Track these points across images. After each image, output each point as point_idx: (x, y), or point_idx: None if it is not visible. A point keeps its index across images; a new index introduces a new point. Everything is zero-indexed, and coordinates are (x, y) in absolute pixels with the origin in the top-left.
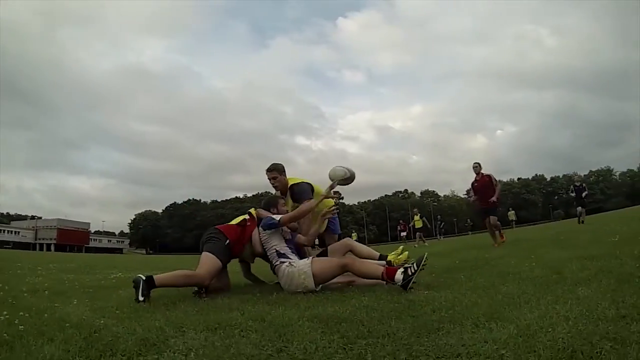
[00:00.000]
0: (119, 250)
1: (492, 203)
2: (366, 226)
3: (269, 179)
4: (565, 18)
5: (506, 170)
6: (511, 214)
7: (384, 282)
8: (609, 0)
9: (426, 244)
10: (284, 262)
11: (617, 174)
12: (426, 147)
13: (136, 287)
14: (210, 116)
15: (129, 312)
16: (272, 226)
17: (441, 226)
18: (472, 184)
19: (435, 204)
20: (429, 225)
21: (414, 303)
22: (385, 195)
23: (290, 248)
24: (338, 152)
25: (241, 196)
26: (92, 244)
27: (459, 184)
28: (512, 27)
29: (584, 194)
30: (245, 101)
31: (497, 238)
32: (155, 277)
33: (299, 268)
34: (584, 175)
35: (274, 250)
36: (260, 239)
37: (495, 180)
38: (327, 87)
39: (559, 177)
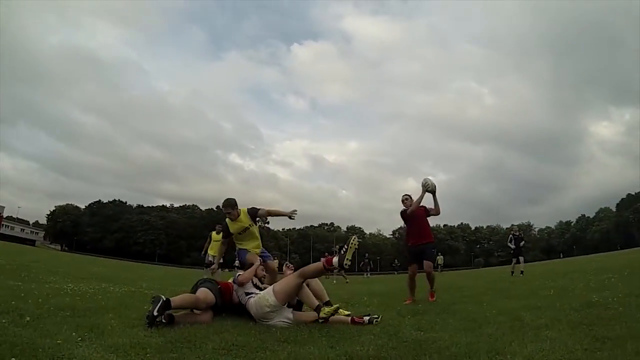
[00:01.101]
0: (32, 242)
1: (427, 240)
2: (289, 254)
3: (224, 213)
4: (506, 81)
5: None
6: (439, 259)
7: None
8: (547, 72)
9: (347, 280)
10: (251, 297)
11: (536, 229)
12: (357, 183)
13: (154, 303)
14: (151, 118)
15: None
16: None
17: (368, 262)
18: (402, 212)
19: (361, 240)
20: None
21: (421, 342)
22: (311, 225)
23: (256, 286)
24: (269, 176)
25: (168, 205)
26: (2, 230)
27: (385, 224)
28: (456, 81)
29: (521, 243)
30: (187, 109)
31: (413, 291)
32: (171, 299)
33: (263, 292)
34: (506, 227)
35: (243, 293)
36: (236, 292)
37: (432, 207)
38: (269, 109)
39: (482, 227)
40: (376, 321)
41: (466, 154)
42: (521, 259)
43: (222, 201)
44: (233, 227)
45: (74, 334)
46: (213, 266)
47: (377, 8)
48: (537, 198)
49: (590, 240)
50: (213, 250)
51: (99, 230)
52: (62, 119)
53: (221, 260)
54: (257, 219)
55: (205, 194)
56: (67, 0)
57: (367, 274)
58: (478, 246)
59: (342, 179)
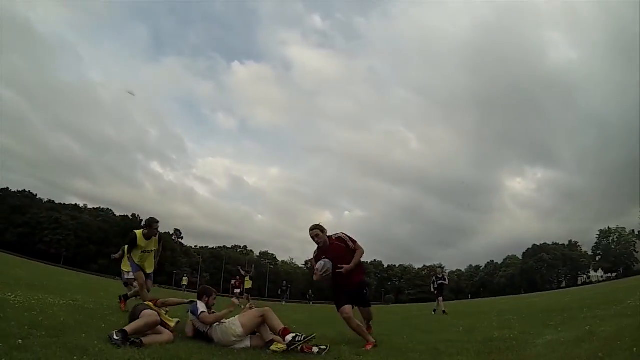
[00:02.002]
0: None
1: (358, 281)
2: (200, 272)
3: (147, 228)
4: (433, 129)
5: None
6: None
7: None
8: (472, 126)
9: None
10: (217, 325)
11: (447, 271)
12: (273, 209)
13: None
14: (75, 107)
15: None
16: (195, 315)
17: (286, 290)
18: (317, 256)
19: (272, 266)
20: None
21: None
22: (224, 246)
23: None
24: (187, 190)
25: (81, 205)
26: None
27: (297, 252)
28: (386, 123)
29: (443, 283)
30: (115, 106)
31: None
32: (126, 328)
33: (229, 322)
34: (418, 268)
35: (201, 324)
36: (192, 321)
37: (353, 242)
38: (197, 122)
39: (395, 265)
40: (324, 352)
41: (386, 193)
42: (440, 299)
43: (149, 218)
44: (142, 243)
45: (75, 357)
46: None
47: (323, 42)
48: (450, 241)
49: (497, 284)
50: (126, 266)
51: (1, 221)
52: None
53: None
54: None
55: (120, 198)
56: None
57: (284, 301)
58: (389, 283)
59: (260, 203)
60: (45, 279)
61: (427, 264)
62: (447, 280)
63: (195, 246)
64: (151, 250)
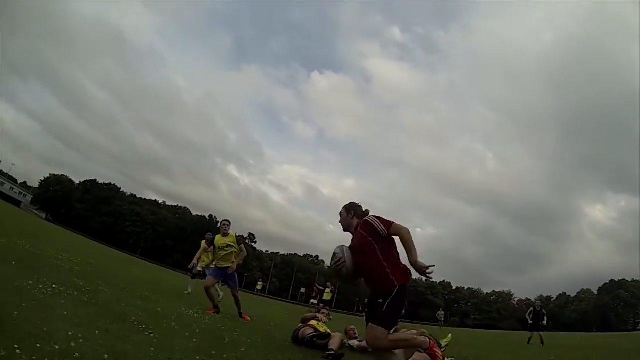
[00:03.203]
0: (17, 203)
1: (382, 287)
2: (270, 277)
3: (222, 225)
4: (511, 149)
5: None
6: (441, 314)
7: None
8: (552, 148)
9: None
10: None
11: (516, 299)
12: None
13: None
14: (161, 109)
15: None
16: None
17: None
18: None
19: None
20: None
21: None
22: (296, 253)
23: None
24: (262, 195)
25: (160, 201)
26: None
27: None
28: (464, 140)
29: (544, 320)
30: (198, 110)
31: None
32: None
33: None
34: (487, 292)
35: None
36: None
37: (386, 226)
38: (276, 129)
39: (463, 288)
40: None
41: (459, 213)
42: (540, 332)
43: (223, 219)
44: (220, 241)
45: None
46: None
47: (403, 55)
48: (520, 267)
49: (567, 318)
50: (205, 262)
51: (88, 209)
52: (75, 87)
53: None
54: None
55: (195, 198)
56: None
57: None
58: (456, 305)
59: (333, 214)
60: (130, 270)
61: (497, 290)
62: (546, 315)
63: (267, 251)
64: (227, 247)
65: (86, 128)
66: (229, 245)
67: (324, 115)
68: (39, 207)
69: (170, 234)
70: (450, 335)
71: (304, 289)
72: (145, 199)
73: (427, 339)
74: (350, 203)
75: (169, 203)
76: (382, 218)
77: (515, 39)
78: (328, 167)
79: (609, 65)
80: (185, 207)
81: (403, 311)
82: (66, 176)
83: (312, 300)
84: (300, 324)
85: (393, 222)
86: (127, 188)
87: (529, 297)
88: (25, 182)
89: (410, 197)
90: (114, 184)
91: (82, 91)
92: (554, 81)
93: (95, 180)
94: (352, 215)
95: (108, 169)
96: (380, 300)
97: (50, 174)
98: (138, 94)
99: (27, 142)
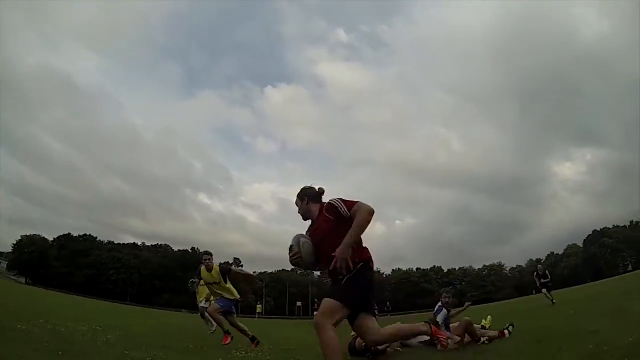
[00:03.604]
0: None
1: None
2: (264, 297)
3: (203, 260)
4: (473, 127)
5: (401, 258)
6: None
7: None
8: (512, 119)
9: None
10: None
11: (507, 268)
12: None
13: None
14: (121, 150)
15: None
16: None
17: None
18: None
19: None
20: None
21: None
22: (283, 269)
23: None
24: (237, 218)
25: (139, 243)
26: None
27: None
28: (425, 128)
29: (547, 279)
30: (159, 145)
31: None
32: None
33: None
34: (478, 268)
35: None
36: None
37: (348, 206)
38: (239, 150)
39: (454, 269)
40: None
41: (433, 198)
42: (543, 290)
43: (203, 250)
44: (205, 275)
45: None
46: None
47: (350, 55)
48: (504, 238)
49: (560, 275)
50: (202, 296)
51: (67, 265)
52: (29, 141)
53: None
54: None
55: (173, 233)
56: (49, 21)
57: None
58: (450, 287)
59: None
60: (133, 318)
61: (487, 264)
62: (548, 275)
63: (254, 272)
64: (214, 284)
65: (47, 181)
66: (215, 281)
67: (283, 127)
68: (16, 272)
69: (156, 274)
70: (489, 316)
71: (300, 303)
72: (123, 243)
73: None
74: (301, 189)
75: (148, 243)
76: (345, 199)
77: (458, 22)
78: (295, 177)
79: (553, 29)
80: (166, 245)
81: (367, 293)
82: (38, 235)
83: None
84: (353, 333)
85: (356, 202)
86: (102, 236)
87: (519, 264)
88: None
89: (383, 192)
90: (89, 234)
91: (37, 144)
92: (502, 55)
93: (69, 233)
94: (307, 200)
95: (79, 220)
96: (340, 277)
97: (21, 236)
98: (95, 138)
99: None
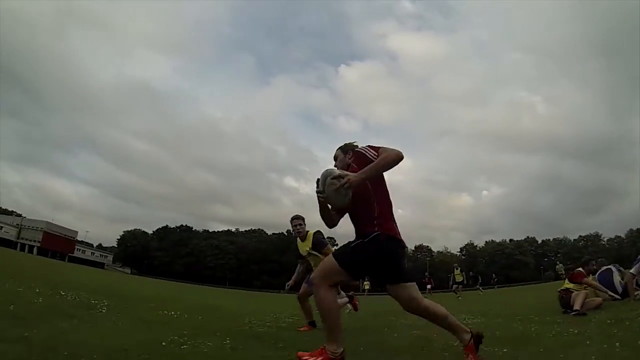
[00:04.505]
0: (101, 265)
1: (364, 231)
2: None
3: (293, 226)
4: (557, 87)
5: (490, 230)
6: (560, 267)
7: None
8: (598, 76)
9: (460, 297)
10: None
11: (605, 239)
12: (412, 202)
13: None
14: (204, 144)
15: None
16: None
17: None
18: None
19: (429, 259)
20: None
21: None
22: None
23: None
24: None
25: (233, 230)
26: (76, 253)
27: (440, 241)
28: (507, 92)
29: None
30: (240, 135)
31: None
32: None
33: None
34: (574, 239)
35: None
36: None
37: (375, 153)
38: (322, 131)
39: (549, 240)
40: None
41: (520, 166)
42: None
43: (293, 216)
44: (300, 247)
45: None
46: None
47: (420, 25)
48: (600, 205)
49: None
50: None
51: (168, 255)
52: (119, 147)
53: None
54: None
55: (265, 218)
56: (117, 35)
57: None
58: (546, 259)
59: (398, 198)
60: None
61: (582, 234)
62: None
63: None
64: (310, 255)
65: (140, 181)
66: (310, 253)
67: (362, 104)
68: (121, 264)
69: (253, 258)
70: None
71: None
72: (218, 231)
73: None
74: (345, 143)
75: (242, 229)
76: (373, 145)
77: None
78: None
79: None
80: (260, 229)
81: (372, 264)
82: (139, 229)
83: (428, 286)
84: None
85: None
86: (197, 226)
87: (618, 235)
88: (100, 244)
89: (469, 163)
90: (186, 225)
91: (125, 148)
92: (580, 6)
93: (167, 226)
94: (351, 155)
95: (173, 213)
96: (354, 241)
97: (124, 231)
98: (178, 135)
99: (91, 208)
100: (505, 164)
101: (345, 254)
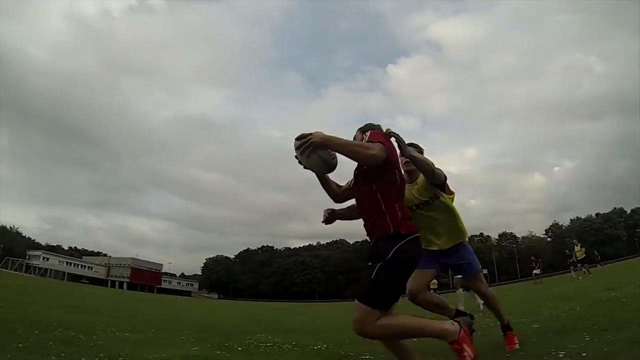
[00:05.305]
0: (188, 293)
1: (379, 230)
2: None
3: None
4: (610, 41)
5: (568, 207)
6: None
7: None
8: None
9: (591, 275)
10: None
11: None
12: (483, 190)
13: None
14: (269, 165)
15: None
16: None
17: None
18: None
19: (515, 245)
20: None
21: None
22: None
23: None
24: None
25: (314, 244)
26: (163, 284)
27: (518, 226)
28: (559, 58)
29: None
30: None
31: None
32: None
33: None
34: None
35: None
36: None
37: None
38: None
39: (639, 208)
40: None
41: (589, 133)
42: None
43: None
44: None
45: None
46: None
47: (456, 8)
48: None
49: None
50: None
51: (253, 277)
52: (187, 180)
53: None
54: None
55: (341, 229)
56: (169, 75)
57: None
58: (638, 230)
59: (468, 189)
60: None
61: None
62: None
63: None
64: (423, 203)
65: (212, 209)
66: (422, 198)
67: (416, 100)
68: (208, 290)
69: (339, 270)
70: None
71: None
72: (299, 247)
73: (457, 326)
74: (366, 124)
75: (323, 242)
76: (378, 133)
77: None
78: (443, 146)
79: None
80: (342, 239)
81: (403, 283)
82: (221, 255)
83: (535, 271)
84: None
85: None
86: (277, 245)
87: None
88: (183, 274)
89: (534, 140)
90: (267, 245)
91: (193, 180)
92: None
93: (248, 248)
94: (369, 135)
95: (250, 236)
96: (370, 263)
97: (206, 259)
98: (243, 161)
99: (170, 241)
100: (572, 134)
101: (372, 290)
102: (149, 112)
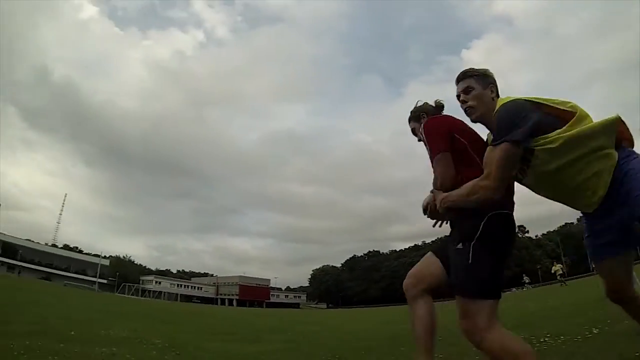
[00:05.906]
0: (296, 305)
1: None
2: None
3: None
4: None
5: None
6: None
7: None
8: None
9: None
10: None
11: None
12: None
13: None
14: (363, 170)
15: None
16: None
17: None
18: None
19: None
20: None
21: None
22: (565, 223)
23: None
24: None
25: (420, 243)
26: (271, 299)
27: None
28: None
29: None
30: (394, 151)
31: None
32: None
33: None
34: None
35: None
36: None
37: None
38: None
39: None
40: None
41: None
42: None
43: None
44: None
45: None
46: None
47: None
48: None
49: None
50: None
51: (361, 283)
52: (284, 195)
53: None
54: None
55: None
56: (249, 98)
57: None
58: None
59: None
60: None
61: None
62: None
63: (542, 234)
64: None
65: (312, 222)
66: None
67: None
68: (317, 301)
69: None
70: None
71: None
72: (405, 248)
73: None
74: (412, 110)
75: (427, 241)
76: (436, 134)
77: None
78: None
79: None
80: (447, 236)
81: (503, 263)
82: (328, 265)
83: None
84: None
85: (441, 151)
86: (382, 249)
87: None
88: (288, 287)
89: (630, 101)
90: (373, 250)
91: (291, 195)
92: None
93: (354, 255)
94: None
95: (353, 243)
96: (460, 245)
97: (313, 270)
98: (336, 169)
99: (272, 257)
100: None
101: (466, 279)
102: (236, 137)
